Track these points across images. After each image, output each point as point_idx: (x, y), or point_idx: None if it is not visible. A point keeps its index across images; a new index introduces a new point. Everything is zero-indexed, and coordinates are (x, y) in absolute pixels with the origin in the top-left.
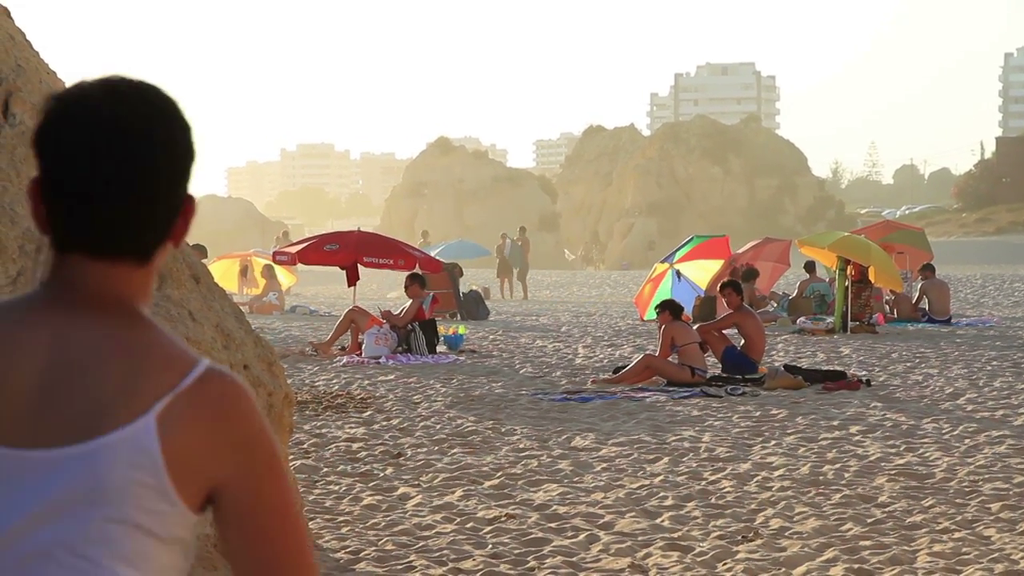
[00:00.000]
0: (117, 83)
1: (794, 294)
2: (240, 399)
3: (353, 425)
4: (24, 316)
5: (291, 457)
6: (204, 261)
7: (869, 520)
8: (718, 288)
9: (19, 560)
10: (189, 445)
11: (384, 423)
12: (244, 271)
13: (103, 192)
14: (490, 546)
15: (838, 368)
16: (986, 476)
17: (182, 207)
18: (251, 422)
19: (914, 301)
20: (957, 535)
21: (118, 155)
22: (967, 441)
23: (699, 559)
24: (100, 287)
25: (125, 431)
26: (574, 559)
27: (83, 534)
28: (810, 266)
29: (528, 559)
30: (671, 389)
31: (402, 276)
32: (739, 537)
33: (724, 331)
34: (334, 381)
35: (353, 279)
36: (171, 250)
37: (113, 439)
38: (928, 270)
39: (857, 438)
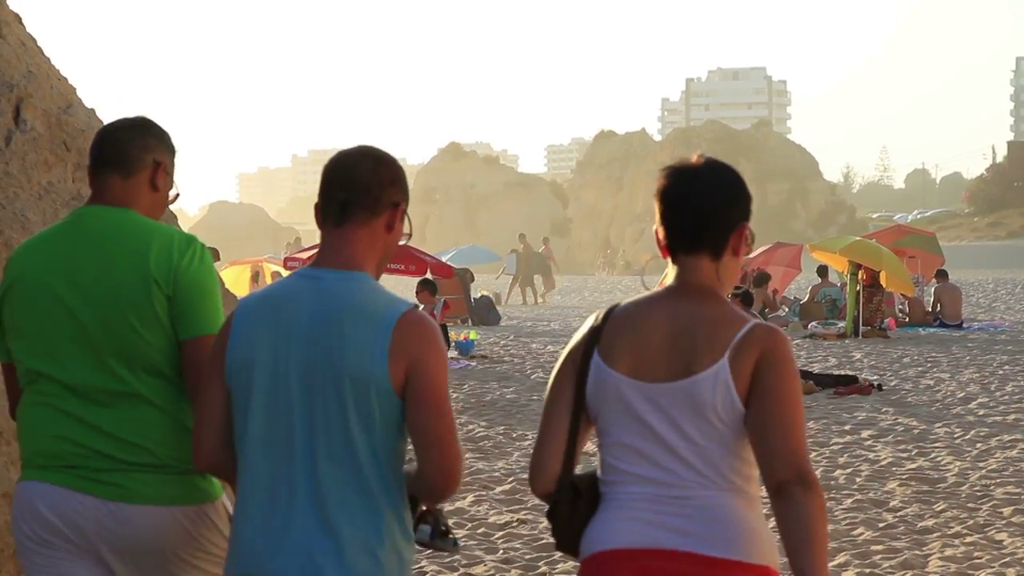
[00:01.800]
0: (708, 161)
1: (806, 299)
2: (777, 340)
3: None
4: (656, 301)
5: None
6: (216, 265)
7: (881, 525)
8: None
9: (660, 445)
10: (745, 370)
11: None
12: (255, 277)
13: (697, 219)
14: (501, 551)
15: (849, 372)
16: (998, 480)
17: (737, 228)
18: (779, 348)
19: (929, 307)
20: (969, 539)
21: (707, 201)
22: (979, 445)
23: None
24: (693, 275)
25: (710, 370)
26: None
27: (696, 430)
28: (822, 271)
29: (539, 564)
30: None
31: (414, 282)
32: None
33: None
34: None
35: None
36: (733, 263)
37: (702, 376)
38: (942, 275)
39: (868, 443)
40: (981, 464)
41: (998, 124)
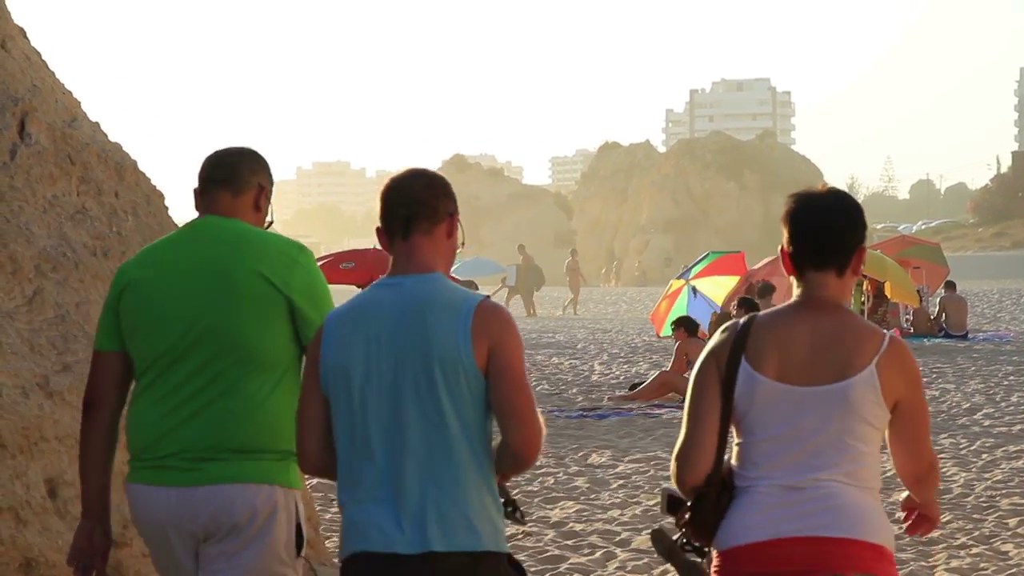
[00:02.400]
0: (831, 189)
1: None
2: (911, 358)
3: None
4: (794, 313)
5: (307, 476)
6: None
7: None
8: (733, 306)
9: (805, 443)
10: (889, 379)
11: None
12: None
13: (825, 240)
14: None
15: None
16: (1003, 491)
17: (857, 251)
18: (912, 364)
19: (934, 316)
20: (975, 551)
21: (834, 224)
22: (984, 456)
23: None
24: (821, 290)
25: (860, 375)
26: None
27: (842, 428)
28: None
29: None
30: None
31: None
32: None
33: None
34: None
35: None
36: (851, 279)
37: (855, 380)
38: (950, 286)
39: None
40: (987, 475)
41: (1002, 134)
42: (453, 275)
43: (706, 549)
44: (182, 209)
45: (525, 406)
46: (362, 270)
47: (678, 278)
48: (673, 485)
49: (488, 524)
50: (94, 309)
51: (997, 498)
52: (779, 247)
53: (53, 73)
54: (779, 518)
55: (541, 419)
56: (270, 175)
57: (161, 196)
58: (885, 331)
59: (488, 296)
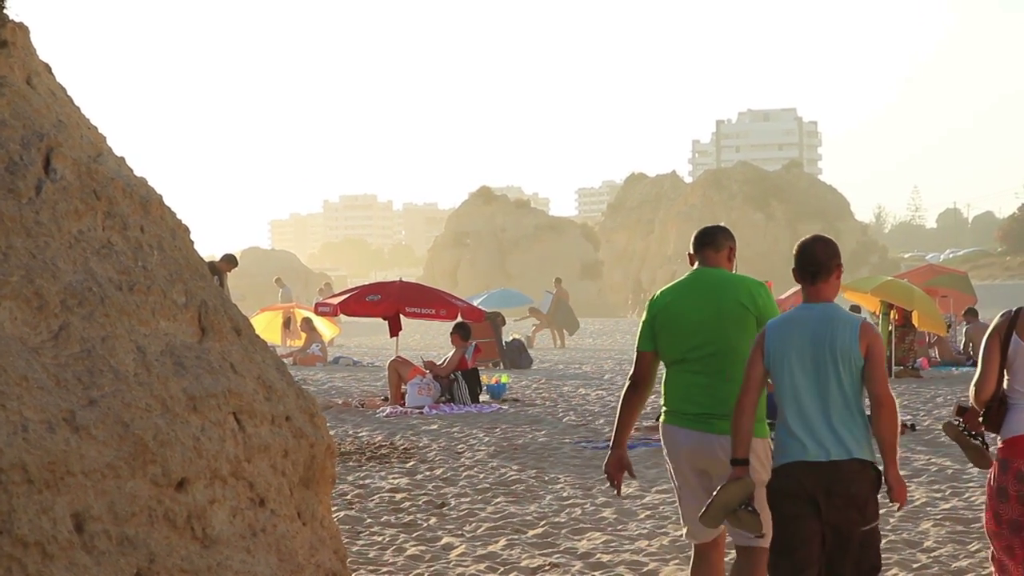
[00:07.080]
0: None
1: None
2: None
3: (396, 475)
4: None
5: (334, 508)
6: (247, 312)
7: (915, 565)
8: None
9: None
10: None
11: (427, 473)
12: (287, 323)
13: None
14: None
15: None
16: None
17: None
18: None
19: (961, 347)
20: None
21: None
22: None
23: None
24: None
25: None
26: None
27: None
28: (854, 311)
29: None
30: None
31: (445, 326)
32: None
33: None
34: (377, 432)
35: (395, 329)
36: None
37: None
38: (971, 314)
39: None
40: None
41: None
42: (480, 307)
43: (984, 444)
44: (208, 243)
45: (884, 383)
46: (387, 302)
47: None
48: (967, 399)
49: (867, 446)
50: (120, 343)
51: None
52: None
53: (78, 108)
54: None
55: (893, 394)
56: (734, 240)
57: (187, 230)
58: None
59: (865, 318)
